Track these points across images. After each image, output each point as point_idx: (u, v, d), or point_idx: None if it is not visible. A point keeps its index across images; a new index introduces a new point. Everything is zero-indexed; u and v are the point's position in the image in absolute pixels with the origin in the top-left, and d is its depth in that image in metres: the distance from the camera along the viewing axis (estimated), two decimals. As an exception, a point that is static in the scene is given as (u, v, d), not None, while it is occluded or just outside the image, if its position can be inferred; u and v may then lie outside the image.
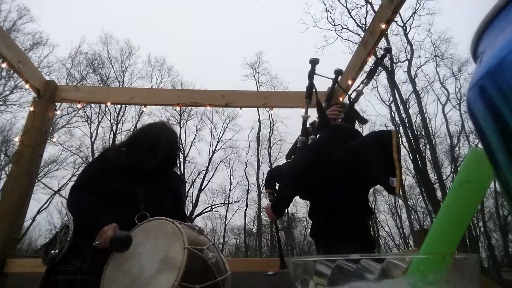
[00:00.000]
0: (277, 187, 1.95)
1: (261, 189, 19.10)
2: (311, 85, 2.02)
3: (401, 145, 17.90)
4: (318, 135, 1.88)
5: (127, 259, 1.44)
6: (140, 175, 1.72)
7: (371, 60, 2.78)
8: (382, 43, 16.77)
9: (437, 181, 15.53)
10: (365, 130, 19.55)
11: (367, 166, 1.58)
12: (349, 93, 2.02)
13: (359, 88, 2.00)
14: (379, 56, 2.39)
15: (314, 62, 2.05)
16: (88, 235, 1.54)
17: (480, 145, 0.24)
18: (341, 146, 1.68)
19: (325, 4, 20.64)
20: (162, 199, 1.79)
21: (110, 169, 1.69)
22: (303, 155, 1.79)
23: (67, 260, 1.55)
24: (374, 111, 25.42)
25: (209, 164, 20.62)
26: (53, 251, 1.56)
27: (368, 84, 2.05)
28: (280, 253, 2.03)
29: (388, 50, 2.39)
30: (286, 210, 1.88)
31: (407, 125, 16.26)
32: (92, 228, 1.53)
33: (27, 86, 3.05)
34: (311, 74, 2.04)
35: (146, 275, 1.37)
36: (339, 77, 2.14)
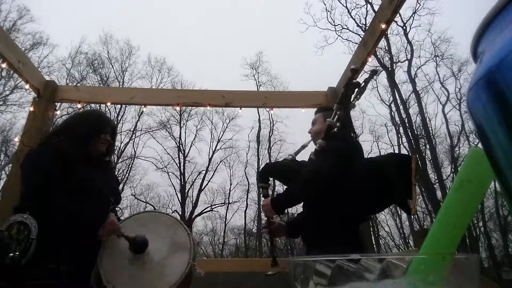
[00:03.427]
0: (270, 182, 1.96)
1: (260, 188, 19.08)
2: (346, 93, 1.99)
3: (402, 144, 17.92)
4: (327, 141, 1.86)
5: (127, 248, 1.48)
6: (91, 163, 1.65)
7: (370, 60, 2.78)
8: (382, 43, 16.80)
9: (437, 181, 15.53)
10: (365, 129, 19.55)
11: (388, 186, 1.65)
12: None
13: (352, 102, 2.00)
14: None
15: (355, 70, 2.06)
16: (80, 230, 1.44)
17: (480, 145, 0.24)
18: (360, 159, 1.75)
19: (325, 4, 20.59)
20: (116, 188, 1.82)
21: (66, 160, 1.54)
22: (330, 161, 1.76)
23: (36, 262, 1.36)
24: (374, 111, 25.42)
25: (209, 164, 20.62)
26: (11, 254, 1.31)
27: (359, 99, 2.05)
28: (272, 250, 2.05)
29: (374, 72, 2.39)
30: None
31: (407, 125, 16.26)
32: (92, 223, 1.46)
33: (27, 86, 3.04)
34: (350, 81, 2.00)
35: (158, 258, 1.48)
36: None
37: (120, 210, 1.68)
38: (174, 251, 1.50)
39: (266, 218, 1.94)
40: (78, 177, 1.54)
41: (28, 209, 1.45)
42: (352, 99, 1.98)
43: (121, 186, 17.69)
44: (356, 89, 2.01)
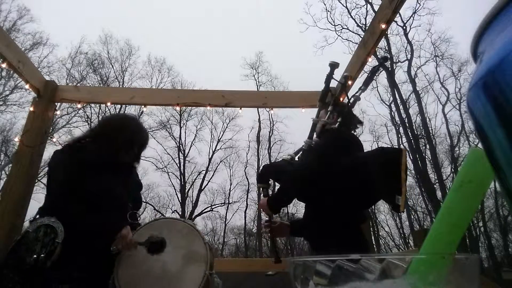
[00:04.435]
0: (270, 182, 1.97)
1: (260, 189, 19.08)
2: (327, 89, 1.97)
3: (402, 145, 17.91)
4: (320, 139, 1.86)
5: (143, 260, 1.48)
6: (113, 169, 1.63)
7: (371, 60, 2.78)
8: (382, 43, 16.80)
9: (437, 181, 15.53)
10: (365, 129, 19.55)
11: (375, 182, 1.60)
12: (348, 96, 1.99)
13: (357, 94, 1.98)
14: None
15: (333, 65, 1.98)
16: (95, 241, 1.45)
17: (480, 145, 0.24)
18: (348, 155, 1.69)
19: (325, 4, 20.64)
20: (136, 194, 1.81)
21: (89, 166, 1.55)
22: (310, 159, 1.77)
23: (58, 266, 1.37)
24: (374, 111, 25.43)
25: (209, 164, 20.63)
26: (35, 256, 1.33)
27: (365, 91, 2.02)
28: (274, 248, 2.05)
29: (385, 59, 2.36)
30: (282, 208, 1.93)
31: (407, 125, 16.25)
32: (107, 235, 1.45)
33: (27, 86, 3.04)
34: (329, 78, 1.98)
35: (173, 271, 1.46)
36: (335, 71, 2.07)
37: (139, 216, 1.65)
38: (190, 262, 1.48)
39: (267, 217, 1.95)
40: (98, 185, 1.54)
41: (55, 212, 1.47)
42: (357, 90, 1.97)
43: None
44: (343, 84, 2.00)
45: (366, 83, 2.01)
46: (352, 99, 1.96)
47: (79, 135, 1.84)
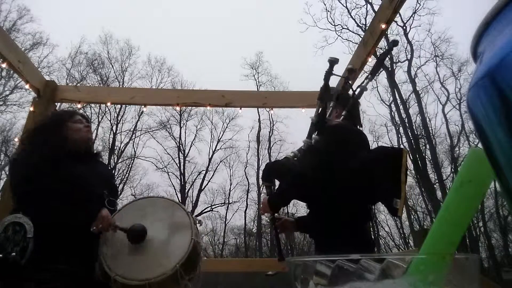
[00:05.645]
0: (274, 181, 1.96)
1: (261, 189, 19.11)
2: (326, 86, 1.89)
3: (402, 145, 17.92)
4: (318, 135, 1.85)
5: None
6: (79, 160, 1.62)
7: (371, 60, 2.78)
8: (382, 43, 16.79)
9: (437, 181, 15.53)
10: (365, 129, 19.52)
11: (374, 184, 1.55)
12: (353, 88, 1.94)
13: (363, 84, 1.91)
14: (385, 50, 2.31)
15: (333, 62, 1.88)
16: (72, 231, 1.43)
17: (480, 145, 0.24)
18: (350, 152, 1.65)
19: (325, 4, 20.57)
20: (109, 180, 1.79)
21: (53, 160, 1.54)
22: (309, 159, 1.76)
23: (37, 264, 1.34)
24: (374, 111, 25.39)
25: (209, 164, 20.62)
26: (9, 254, 1.30)
27: (372, 80, 1.94)
28: (278, 246, 2.03)
29: (394, 42, 2.21)
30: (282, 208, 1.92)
31: (407, 125, 16.26)
32: (85, 222, 1.43)
33: (27, 86, 3.05)
34: (328, 74, 1.89)
35: (160, 241, 1.49)
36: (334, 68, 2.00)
37: (117, 203, 1.64)
38: (175, 232, 1.51)
39: (271, 215, 1.93)
40: (67, 176, 1.52)
41: (21, 210, 1.45)
42: (364, 79, 1.91)
43: (121, 186, 17.66)
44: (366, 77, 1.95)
45: (374, 72, 1.95)
46: (358, 89, 1.89)
47: (21, 141, 1.86)
